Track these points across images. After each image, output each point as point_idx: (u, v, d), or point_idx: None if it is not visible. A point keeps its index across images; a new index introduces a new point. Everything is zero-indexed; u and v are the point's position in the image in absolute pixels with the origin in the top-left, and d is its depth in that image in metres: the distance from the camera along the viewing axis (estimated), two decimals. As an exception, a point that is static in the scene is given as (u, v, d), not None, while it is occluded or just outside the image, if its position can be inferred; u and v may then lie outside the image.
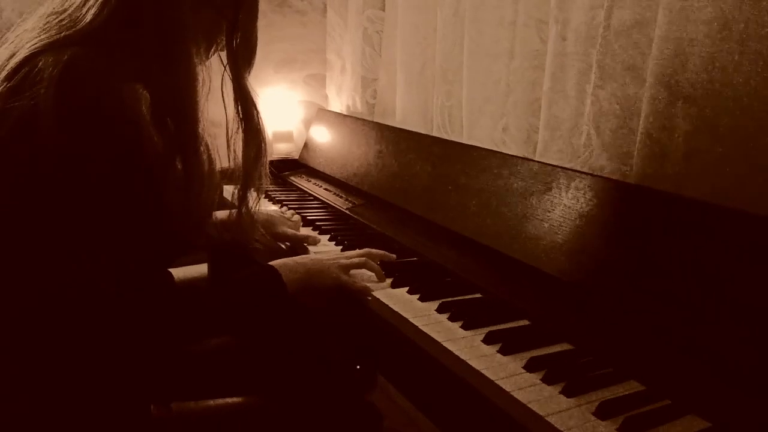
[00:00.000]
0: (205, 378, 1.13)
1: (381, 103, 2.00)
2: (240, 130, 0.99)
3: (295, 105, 2.32)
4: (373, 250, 1.16)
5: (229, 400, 1.05)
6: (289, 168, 2.13)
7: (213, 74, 0.96)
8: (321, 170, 1.98)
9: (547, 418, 0.72)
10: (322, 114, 2.19)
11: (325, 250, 1.35)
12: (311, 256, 1.18)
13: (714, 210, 0.91)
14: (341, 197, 1.72)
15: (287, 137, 2.24)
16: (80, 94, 0.78)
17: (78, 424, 0.86)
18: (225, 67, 0.98)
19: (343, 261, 1.10)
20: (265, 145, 1.02)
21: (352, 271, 1.11)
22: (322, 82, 2.35)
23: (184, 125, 0.88)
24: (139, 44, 0.85)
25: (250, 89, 0.99)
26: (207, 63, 0.96)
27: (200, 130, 0.90)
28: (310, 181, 1.95)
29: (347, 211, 1.60)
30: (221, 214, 1.12)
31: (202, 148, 0.90)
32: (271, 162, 2.11)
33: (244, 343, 1.22)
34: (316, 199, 1.76)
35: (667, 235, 0.93)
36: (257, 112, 1.00)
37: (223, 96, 0.98)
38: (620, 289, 0.95)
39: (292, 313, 1.35)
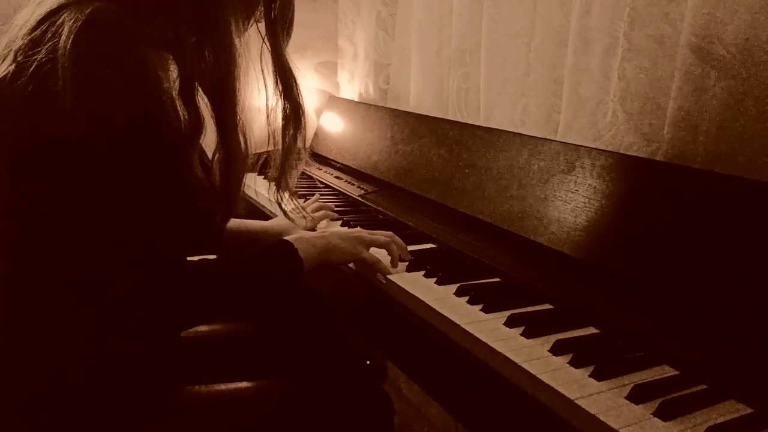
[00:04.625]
0: (216, 364, 1.11)
1: (394, 89, 1.95)
2: (278, 106, 0.95)
3: (306, 93, 2.27)
4: (397, 238, 1.11)
5: (239, 384, 1.01)
6: (300, 157, 2.08)
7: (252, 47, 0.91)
8: (332, 158, 1.94)
9: (577, 402, 0.68)
10: (333, 101, 2.15)
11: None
12: (333, 231, 1.13)
13: (751, 187, 0.86)
14: (353, 184, 1.68)
15: (298, 125, 2.20)
16: (98, 49, 0.74)
17: (92, 408, 0.82)
18: (264, 39, 0.93)
19: (367, 236, 1.07)
20: (305, 120, 0.97)
21: (372, 249, 1.07)
22: (334, 70, 2.30)
23: (223, 103, 0.84)
24: (174, 12, 0.81)
25: (289, 61, 0.94)
26: (245, 36, 0.92)
27: (238, 109, 0.86)
28: (321, 169, 1.92)
29: (359, 198, 1.56)
30: None
31: (239, 129, 0.86)
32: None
33: (253, 328, 1.19)
34: (327, 186, 1.72)
35: (700, 214, 0.88)
36: (297, 86, 0.95)
37: (262, 70, 0.93)
38: (649, 271, 0.90)
39: (304, 300, 1.31)
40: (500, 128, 1.37)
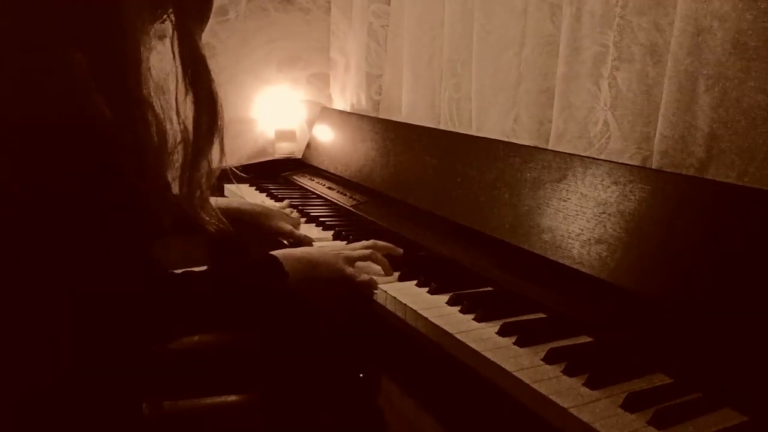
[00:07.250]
0: (203, 376, 1.09)
1: (386, 99, 1.95)
2: (189, 97, 0.85)
3: (299, 104, 2.27)
4: (380, 242, 1.11)
5: (227, 398, 1.00)
6: (292, 168, 2.09)
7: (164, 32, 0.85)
8: (324, 169, 1.93)
9: (570, 411, 0.67)
10: (325, 112, 2.15)
11: (329, 244, 1.30)
12: (315, 248, 1.13)
13: (742, 193, 0.86)
14: (345, 195, 1.68)
15: (290, 136, 2.20)
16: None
17: (70, 422, 0.81)
18: (171, 21, 0.84)
19: (347, 252, 1.05)
20: (221, 114, 0.88)
21: (358, 264, 1.06)
22: (326, 81, 2.30)
23: (126, 91, 0.77)
24: (68, 3, 0.74)
25: (201, 49, 0.85)
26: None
27: (145, 94, 0.80)
28: (314, 179, 1.91)
29: (351, 208, 1.55)
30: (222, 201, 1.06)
31: (150, 117, 0.80)
32: (274, 161, 2.10)
33: (243, 340, 1.17)
34: (319, 197, 1.72)
35: (692, 220, 0.88)
36: (209, 75, 0.86)
37: (174, 58, 0.85)
38: (642, 278, 0.90)
39: (295, 312, 1.30)
40: (492, 138, 1.37)
